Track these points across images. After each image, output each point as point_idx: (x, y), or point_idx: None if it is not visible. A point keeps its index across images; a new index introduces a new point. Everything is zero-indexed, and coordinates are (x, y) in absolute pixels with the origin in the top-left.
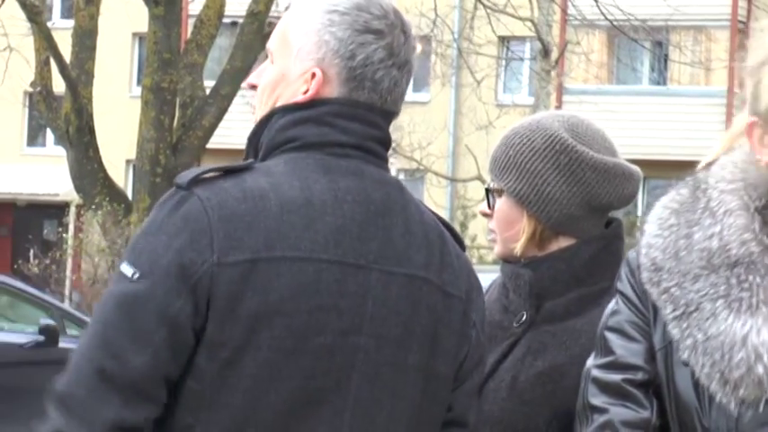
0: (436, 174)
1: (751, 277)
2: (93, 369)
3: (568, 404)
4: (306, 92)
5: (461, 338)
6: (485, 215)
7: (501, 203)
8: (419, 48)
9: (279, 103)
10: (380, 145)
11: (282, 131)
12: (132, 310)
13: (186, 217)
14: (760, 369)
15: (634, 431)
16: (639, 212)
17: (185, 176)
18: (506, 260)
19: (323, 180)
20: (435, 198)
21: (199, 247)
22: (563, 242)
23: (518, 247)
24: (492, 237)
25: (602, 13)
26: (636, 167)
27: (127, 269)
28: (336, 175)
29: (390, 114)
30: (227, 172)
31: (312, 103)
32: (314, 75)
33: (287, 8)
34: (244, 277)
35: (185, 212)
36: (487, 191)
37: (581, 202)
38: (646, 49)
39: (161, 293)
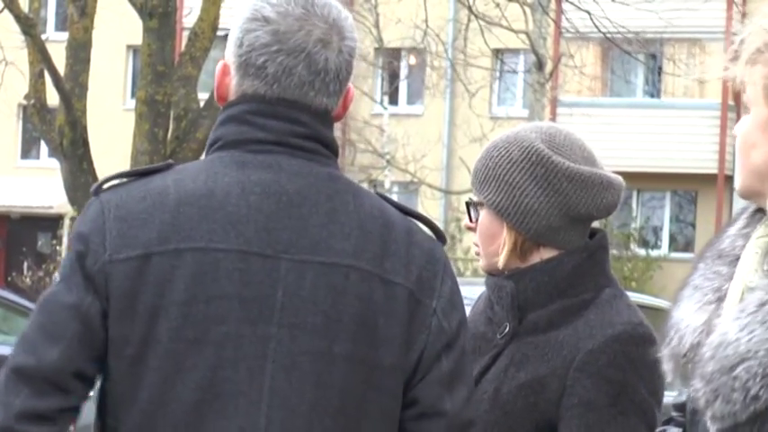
0: (430, 186)
1: (723, 268)
2: (12, 365)
3: (550, 416)
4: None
5: (413, 327)
6: (469, 229)
7: (482, 217)
8: (413, 60)
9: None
10: (310, 141)
11: (213, 132)
12: (49, 309)
13: (86, 220)
14: (683, 348)
15: None
16: (636, 225)
17: (95, 184)
18: (491, 273)
19: (233, 174)
20: (429, 210)
21: (94, 247)
22: (545, 254)
23: (500, 260)
24: (476, 250)
25: (596, 26)
26: (616, 176)
27: (56, 275)
28: (250, 169)
29: (309, 109)
30: (141, 175)
31: (235, 102)
32: (223, 66)
33: None
34: (137, 272)
35: (86, 216)
36: (468, 204)
37: (559, 213)
38: (639, 62)
39: (74, 291)
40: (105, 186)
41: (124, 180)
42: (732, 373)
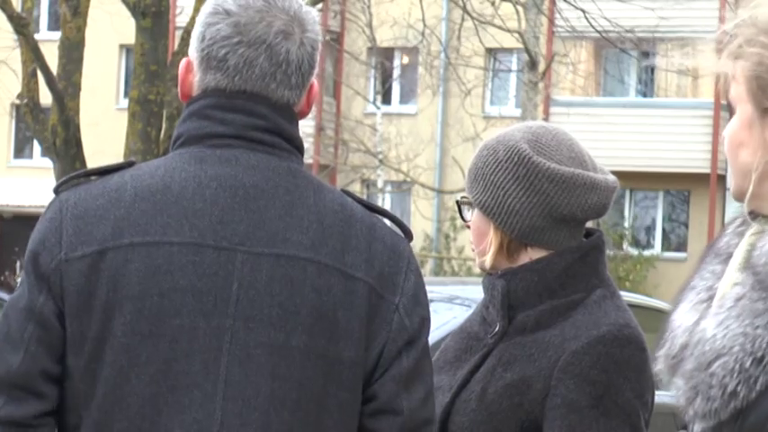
0: (423, 186)
1: (717, 267)
2: None
3: (534, 416)
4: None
5: (374, 323)
6: (467, 227)
7: (473, 216)
8: (406, 59)
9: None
10: (270, 134)
11: (176, 129)
12: (8, 315)
13: (44, 220)
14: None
15: None
16: (627, 224)
17: (57, 183)
18: (488, 272)
19: (191, 169)
20: (422, 210)
21: (49, 246)
22: (534, 254)
23: (487, 260)
24: (472, 248)
25: (590, 24)
26: (605, 177)
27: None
28: (207, 165)
29: (269, 101)
30: (104, 172)
31: (196, 98)
32: (186, 62)
33: None
34: (92, 269)
35: (45, 216)
36: (459, 203)
37: (542, 214)
38: (633, 57)
39: (27, 292)
40: (66, 185)
41: (85, 179)
42: (708, 369)
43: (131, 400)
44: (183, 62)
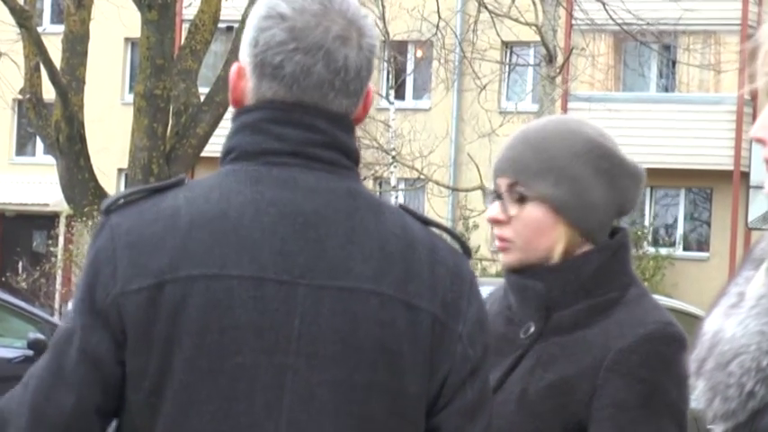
0: (437, 183)
1: (750, 272)
2: (30, 406)
3: (579, 417)
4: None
5: (437, 353)
6: (496, 222)
7: (529, 210)
8: (419, 53)
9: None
10: (329, 150)
11: (227, 141)
12: (61, 350)
13: (96, 248)
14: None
15: None
16: (647, 223)
17: (106, 202)
18: (514, 270)
19: (247, 191)
20: (436, 208)
21: (104, 279)
22: (583, 249)
23: (555, 257)
24: (504, 245)
25: (610, 16)
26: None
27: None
28: (264, 186)
29: (328, 113)
30: (154, 191)
31: (249, 108)
32: (238, 68)
33: None
34: (151, 302)
35: (96, 243)
36: (499, 196)
37: (615, 209)
38: (654, 51)
39: (80, 330)
40: (115, 206)
41: (135, 197)
42: (727, 368)
43: None
44: (233, 67)
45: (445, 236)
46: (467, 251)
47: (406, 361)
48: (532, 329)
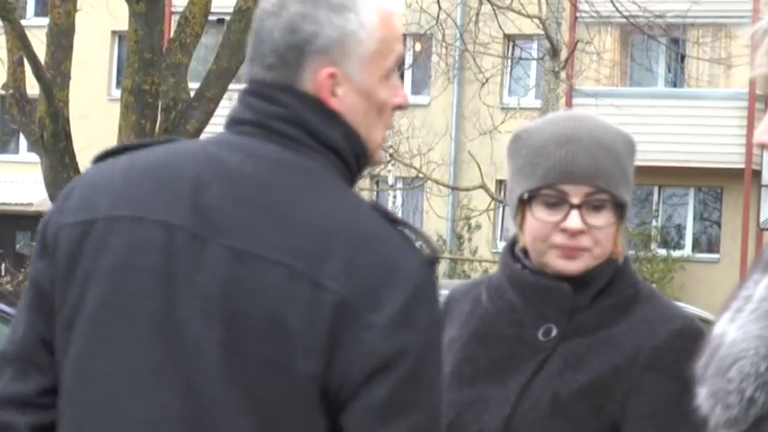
0: (437, 182)
1: (759, 276)
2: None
3: (615, 419)
4: None
5: (339, 339)
6: (579, 232)
7: (606, 218)
8: (418, 46)
9: None
10: (290, 125)
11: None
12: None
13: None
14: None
15: None
16: (655, 223)
17: (95, 155)
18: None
19: (198, 149)
20: (436, 208)
21: (56, 212)
22: None
23: (621, 257)
24: (575, 253)
25: (617, 9)
26: None
27: None
28: (214, 146)
29: (297, 92)
30: (140, 146)
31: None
32: None
33: None
34: (83, 236)
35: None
36: (578, 206)
37: None
38: (662, 44)
39: (33, 261)
40: (98, 158)
41: (119, 151)
42: (727, 374)
43: (93, 375)
44: None
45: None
46: (432, 256)
47: (299, 338)
48: (555, 331)
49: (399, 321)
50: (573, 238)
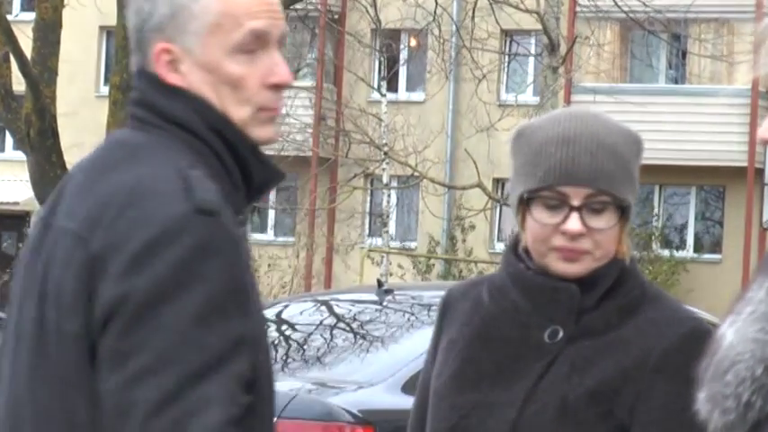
0: (432, 181)
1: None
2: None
3: (623, 422)
4: None
5: (95, 295)
6: (579, 235)
7: (608, 219)
8: (413, 42)
9: None
10: (139, 107)
11: None
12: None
13: None
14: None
15: None
16: (657, 223)
17: None
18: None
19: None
20: (431, 207)
21: None
22: None
23: (627, 259)
24: (576, 255)
25: (616, 3)
26: None
27: None
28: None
29: (146, 73)
30: None
31: None
32: None
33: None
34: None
35: None
36: (578, 208)
37: None
38: (663, 40)
39: None
40: None
41: None
42: (723, 378)
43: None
44: None
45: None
46: (201, 206)
47: (70, 299)
48: (561, 333)
49: (129, 267)
50: (573, 240)
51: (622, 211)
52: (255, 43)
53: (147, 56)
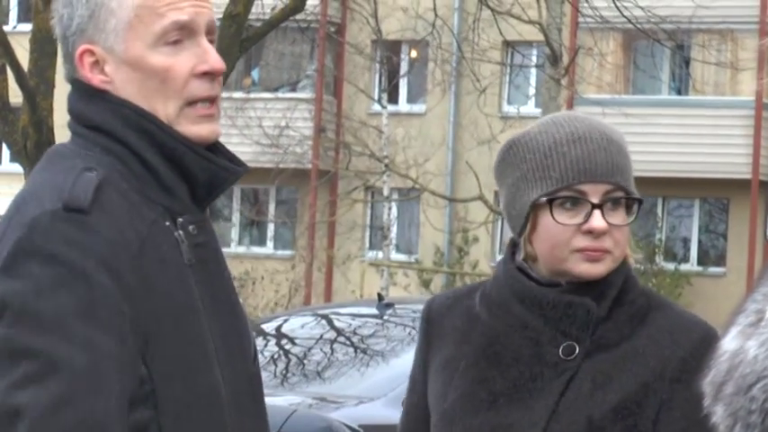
0: (433, 193)
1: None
2: None
3: None
4: None
5: None
6: (603, 233)
7: (623, 217)
8: (414, 53)
9: None
10: (71, 117)
11: None
12: None
13: None
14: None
15: None
16: (660, 236)
17: None
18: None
19: None
20: (432, 220)
21: None
22: None
23: (633, 261)
24: (598, 255)
25: (621, 13)
26: None
27: None
28: None
29: (71, 81)
30: None
31: None
32: None
33: (273, 9)
34: None
35: None
36: (599, 206)
37: None
38: (667, 50)
39: None
40: None
41: None
42: (749, 393)
43: None
44: None
45: None
46: (67, 205)
47: None
48: (578, 349)
49: (4, 268)
50: (597, 239)
51: (628, 209)
52: (180, 34)
53: (73, 61)
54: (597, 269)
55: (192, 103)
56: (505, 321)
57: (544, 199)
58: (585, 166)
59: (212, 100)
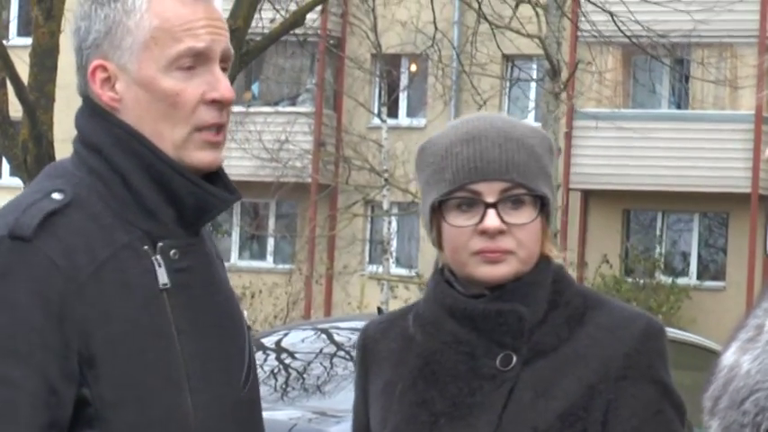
0: None
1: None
2: None
3: None
4: None
5: None
6: (499, 233)
7: (528, 215)
8: (413, 67)
9: None
10: (77, 132)
11: None
12: None
13: None
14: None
15: None
16: (659, 250)
17: None
18: (470, 296)
19: None
20: None
21: None
22: None
23: (564, 260)
24: (498, 257)
25: (619, 28)
26: None
27: None
28: None
29: (83, 97)
30: None
31: None
32: None
33: (271, 21)
34: None
35: None
36: (494, 204)
37: None
38: (666, 65)
39: None
40: None
41: None
42: (741, 407)
43: None
44: None
45: None
46: (10, 232)
47: None
48: (515, 359)
49: None
50: (493, 239)
51: (541, 207)
52: (194, 60)
53: (86, 75)
54: (499, 271)
55: (199, 129)
56: (439, 339)
57: (438, 202)
58: (476, 165)
59: (219, 128)
